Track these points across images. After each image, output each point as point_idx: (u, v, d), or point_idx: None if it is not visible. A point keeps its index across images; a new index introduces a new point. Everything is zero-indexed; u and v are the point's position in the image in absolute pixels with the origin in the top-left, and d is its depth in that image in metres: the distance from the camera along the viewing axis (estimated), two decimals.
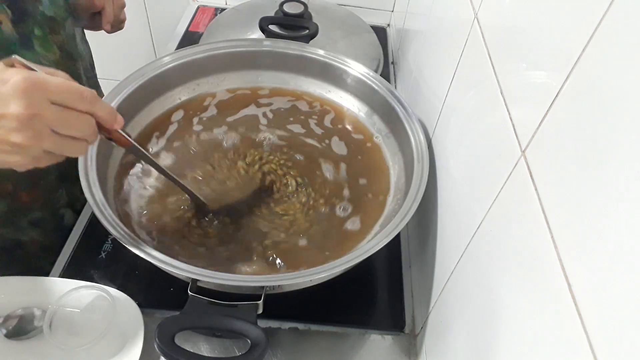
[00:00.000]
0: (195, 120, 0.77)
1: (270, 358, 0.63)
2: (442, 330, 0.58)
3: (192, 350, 0.54)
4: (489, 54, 0.49)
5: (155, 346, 0.48)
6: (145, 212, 0.64)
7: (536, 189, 0.37)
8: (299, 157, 0.73)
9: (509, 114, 0.42)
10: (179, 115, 0.77)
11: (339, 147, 0.75)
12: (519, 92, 0.42)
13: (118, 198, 0.64)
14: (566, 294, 0.31)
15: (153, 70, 0.73)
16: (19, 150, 0.41)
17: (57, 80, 0.42)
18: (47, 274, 0.69)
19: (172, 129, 0.75)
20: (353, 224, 0.65)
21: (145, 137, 0.73)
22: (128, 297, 0.63)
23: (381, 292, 0.72)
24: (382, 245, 0.55)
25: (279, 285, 0.55)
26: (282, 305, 0.61)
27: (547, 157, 0.36)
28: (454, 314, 0.55)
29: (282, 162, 0.72)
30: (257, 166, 0.71)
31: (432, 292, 0.63)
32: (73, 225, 0.75)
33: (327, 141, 0.76)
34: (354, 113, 0.80)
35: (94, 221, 0.74)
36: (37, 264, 0.75)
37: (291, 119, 0.79)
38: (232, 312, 0.51)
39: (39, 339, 0.59)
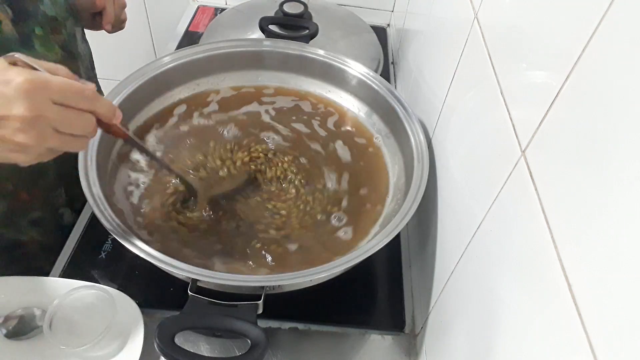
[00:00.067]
0: (197, 114, 0.77)
1: (270, 358, 0.63)
2: (442, 330, 0.58)
3: (192, 350, 0.54)
4: (489, 54, 0.49)
5: (155, 346, 0.48)
6: (142, 209, 0.65)
7: (536, 189, 0.37)
8: (303, 160, 0.72)
9: (509, 114, 0.42)
10: (181, 109, 0.77)
11: (343, 151, 0.74)
12: (519, 92, 0.42)
13: (116, 196, 0.65)
14: (566, 294, 0.31)
15: (153, 70, 0.73)
16: (23, 149, 0.42)
17: (59, 80, 0.42)
18: (47, 274, 0.69)
19: (172, 120, 0.76)
20: (345, 234, 0.65)
21: (146, 128, 0.74)
22: (128, 297, 0.63)
23: (381, 292, 0.72)
24: (382, 245, 0.55)
25: (279, 285, 0.55)
26: (282, 305, 0.61)
27: (547, 157, 0.36)
28: (454, 314, 0.55)
29: (285, 166, 0.71)
30: (259, 164, 0.71)
31: (432, 292, 0.63)
32: (72, 225, 0.76)
33: (331, 144, 0.75)
34: (354, 113, 0.80)
35: (94, 221, 0.74)
36: (37, 264, 0.75)
37: (294, 117, 0.79)
38: (232, 312, 0.51)
39: (39, 339, 0.59)
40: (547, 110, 0.36)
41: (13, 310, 0.61)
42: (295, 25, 0.88)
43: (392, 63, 1.10)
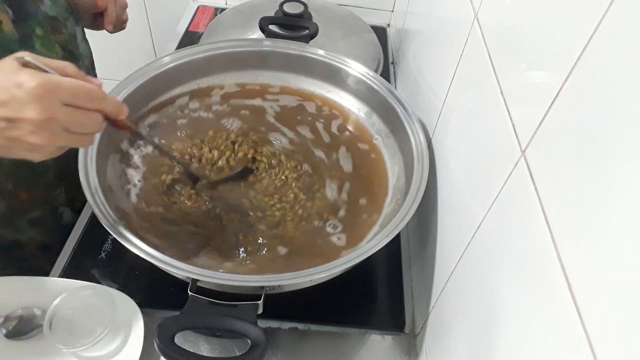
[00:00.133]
0: (199, 105, 0.78)
1: (270, 358, 0.63)
2: (442, 330, 0.58)
3: (192, 350, 0.54)
4: (489, 54, 0.49)
5: (155, 346, 0.48)
6: (142, 208, 0.65)
7: (536, 189, 0.37)
8: (306, 166, 0.72)
9: (509, 114, 0.42)
10: (183, 100, 0.78)
11: (345, 160, 0.73)
12: (519, 92, 0.42)
13: (116, 196, 0.65)
14: (566, 294, 0.31)
15: (153, 70, 0.73)
16: (36, 149, 0.45)
17: (69, 82, 0.44)
18: (47, 274, 0.69)
19: (174, 110, 0.76)
20: (339, 240, 0.64)
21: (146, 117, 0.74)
22: (128, 297, 0.63)
23: (381, 292, 0.72)
24: (382, 245, 0.55)
25: (279, 285, 0.55)
26: (282, 305, 0.61)
27: (547, 157, 0.36)
28: (454, 314, 0.55)
29: (287, 173, 0.71)
30: (263, 164, 0.71)
31: (432, 292, 0.63)
32: (72, 224, 0.76)
33: (334, 154, 0.74)
34: (354, 113, 0.80)
35: (94, 221, 0.74)
36: (36, 264, 0.76)
37: (298, 117, 0.78)
38: (232, 312, 0.51)
39: (39, 339, 0.59)
40: (547, 110, 0.36)
41: (13, 310, 0.61)
42: (295, 25, 0.88)
43: (392, 63, 1.10)
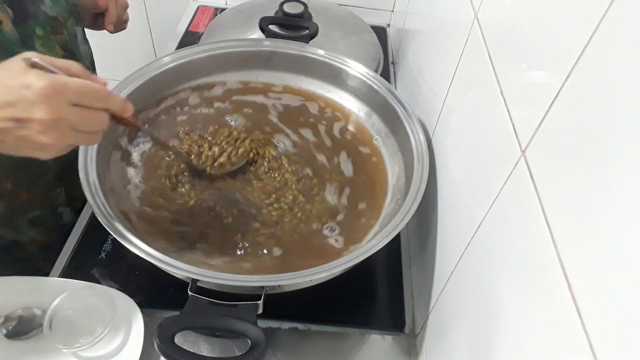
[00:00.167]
0: (202, 100, 0.78)
1: (270, 358, 0.63)
2: (442, 330, 0.58)
3: (192, 350, 0.54)
4: (489, 54, 0.49)
5: (155, 346, 0.48)
6: (142, 207, 0.65)
7: (536, 189, 0.37)
8: (307, 170, 0.72)
9: (509, 114, 0.42)
10: (185, 95, 0.78)
11: (346, 165, 0.73)
12: (519, 92, 0.42)
13: (116, 196, 0.65)
14: (566, 294, 0.31)
15: (153, 70, 0.73)
16: (45, 148, 0.46)
17: (76, 82, 0.45)
18: (47, 274, 0.69)
19: (173, 106, 0.77)
20: (336, 242, 0.64)
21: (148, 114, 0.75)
22: (128, 297, 0.63)
23: (381, 292, 0.72)
24: (382, 245, 0.55)
25: (279, 285, 0.55)
26: (282, 305, 0.61)
27: (547, 157, 0.36)
28: (454, 314, 0.55)
29: (287, 176, 0.71)
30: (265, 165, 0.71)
31: (432, 292, 0.63)
32: (72, 224, 0.76)
33: (335, 158, 0.74)
34: (354, 113, 0.79)
35: (94, 221, 0.74)
36: (36, 264, 0.76)
37: (301, 119, 0.78)
38: (232, 312, 0.51)
39: (39, 339, 0.59)
40: (547, 110, 0.36)
41: (13, 310, 0.61)
42: (295, 25, 0.88)
43: (392, 63, 1.10)
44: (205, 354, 0.62)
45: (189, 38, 1.11)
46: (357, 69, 0.78)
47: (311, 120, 0.78)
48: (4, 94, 0.43)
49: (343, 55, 0.79)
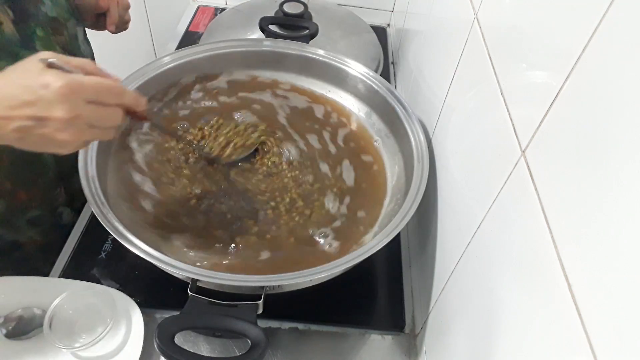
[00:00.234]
0: (206, 93, 0.79)
1: (270, 358, 0.63)
2: (442, 330, 0.58)
3: (192, 350, 0.54)
4: (489, 54, 0.49)
5: (155, 346, 0.48)
6: (142, 206, 0.65)
7: (536, 189, 0.37)
8: (309, 178, 0.71)
9: (509, 114, 0.42)
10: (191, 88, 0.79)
11: (348, 174, 0.72)
12: (519, 92, 0.42)
13: (116, 195, 0.65)
14: (566, 294, 0.31)
15: (153, 70, 0.73)
16: (64, 144, 0.47)
17: (92, 81, 0.47)
18: (46, 275, 0.69)
19: (180, 100, 0.78)
20: (330, 247, 0.64)
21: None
22: (128, 297, 0.63)
23: (381, 292, 0.72)
24: (382, 245, 0.55)
25: (279, 285, 0.55)
26: (282, 305, 0.61)
27: (547, 157, 0.36)
28: (454, 314, 0.55)
29: (285, 180, 0.71)
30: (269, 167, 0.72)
31: (432, 292, 0.63)
32: (72, 224, 0.76)
33: (338, 168, 0.73)
34: (354, 113, 0.79)
35: (94, 221, 0.74)
36: (36, 265, 0.75)
37: (307, 124, 0.78)
38: (232, 312, 0.51)
39: (39, 339, 0.59)
40: (547, 110, 0.36)
41: (13, 310, 0.61)
42: (295, 25, 0.88)
43: (392, 63, 1.10)
44: (205, 354, 0.62)
45: (189, 38, 1.11)
46: (357, 69, 0.78)
47: (316, 126, 0.78)
48: (24, 94, 0.44)
49: (343, 55, 0.79)
